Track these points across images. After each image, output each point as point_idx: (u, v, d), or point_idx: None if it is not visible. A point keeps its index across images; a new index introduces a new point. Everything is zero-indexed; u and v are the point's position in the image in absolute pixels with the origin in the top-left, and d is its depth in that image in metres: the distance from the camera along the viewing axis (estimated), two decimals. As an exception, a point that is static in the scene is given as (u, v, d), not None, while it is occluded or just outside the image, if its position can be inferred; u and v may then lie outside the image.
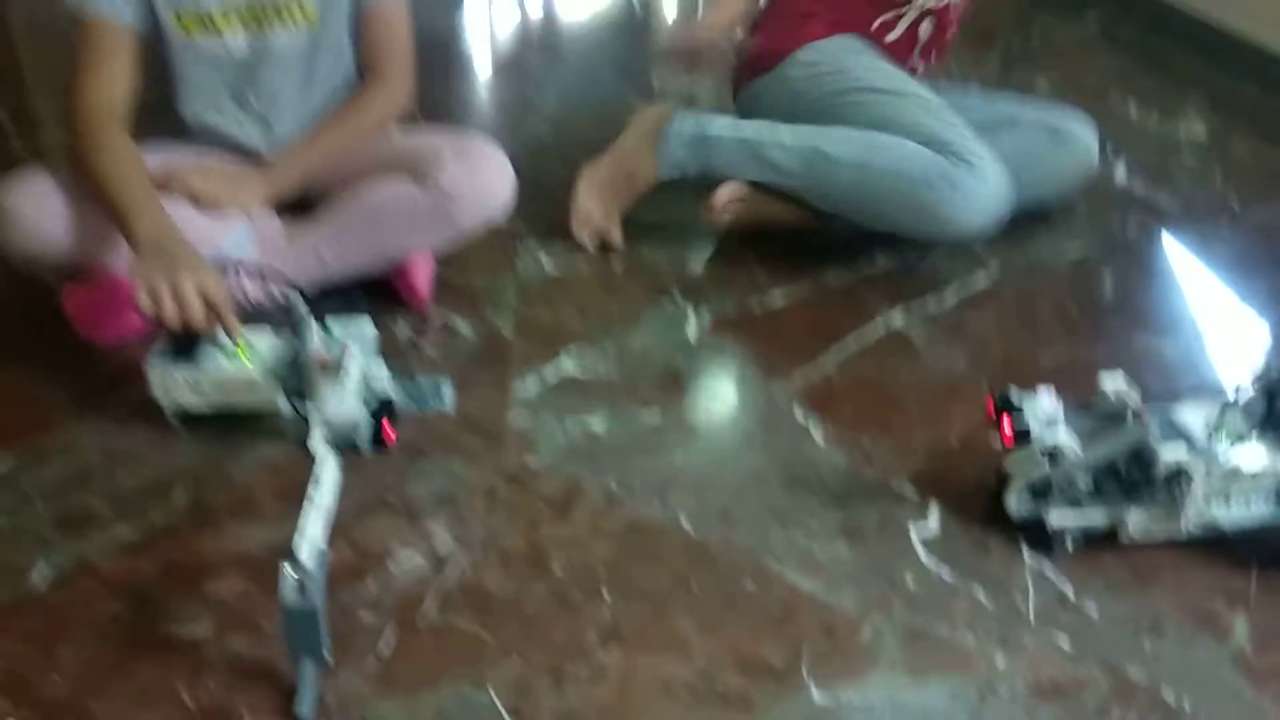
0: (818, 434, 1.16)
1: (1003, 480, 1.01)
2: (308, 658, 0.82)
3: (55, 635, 0.89)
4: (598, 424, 1.17)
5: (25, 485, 1.06)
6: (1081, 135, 1.57)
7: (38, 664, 0.86)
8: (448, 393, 1.19)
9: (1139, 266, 1.53)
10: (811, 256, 1.52)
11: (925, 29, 1.53)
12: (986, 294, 1.44)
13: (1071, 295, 1.44)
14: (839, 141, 1.42)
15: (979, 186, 1.36)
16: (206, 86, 1.32)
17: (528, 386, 1.23)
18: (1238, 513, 0.99)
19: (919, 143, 1.38)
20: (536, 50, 2.49)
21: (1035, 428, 0.96)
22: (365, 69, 1.39)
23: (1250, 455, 0.98)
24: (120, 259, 1.24)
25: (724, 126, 1.50)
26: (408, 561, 0.97)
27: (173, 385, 1.11)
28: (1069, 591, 0.96)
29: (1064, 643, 0.90)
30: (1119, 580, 0.97)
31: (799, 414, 1.19)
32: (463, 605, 0.93)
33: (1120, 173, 1.82)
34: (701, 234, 1.58)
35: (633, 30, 2.67)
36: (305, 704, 0.82)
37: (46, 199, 1.21)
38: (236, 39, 1.29)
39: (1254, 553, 0.99)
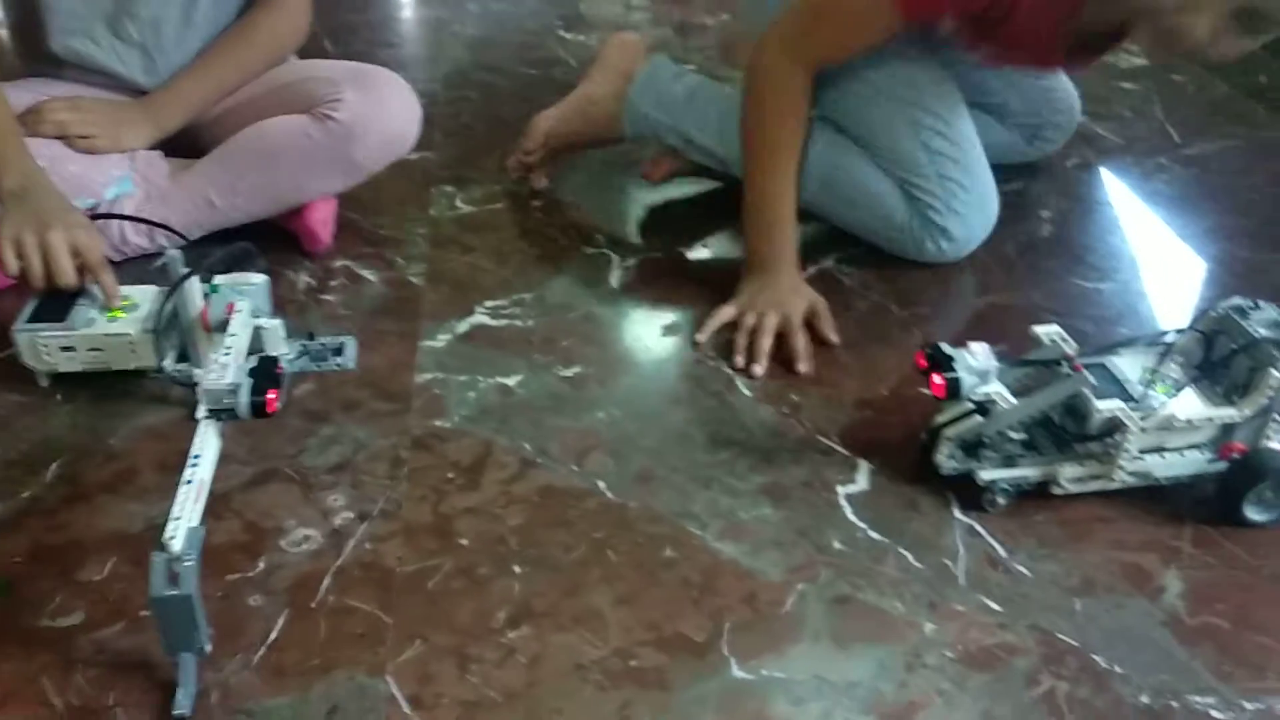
0: (744, 387, 1.10)
1: (933, 435, 0.97)
2: (184, 650, 0.76)
3: (-92, 629, 0.81)
4: (513, 381, 1.10)
5: (-122, 460, 0.97)
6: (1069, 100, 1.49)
7: (-113, 662, 0.79)
8: (350, 349, 1.11)
9: (1077, 203, 1.49)
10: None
11: (948, 24, 1.26)
12: (922, 233, 1.39)
13: (1009, 234, 1.39)
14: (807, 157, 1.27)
15: (954, 237, 1.27)
16: (77, 15, 1.20)
17: (438, 340, 1.15)
18: (1172, 462, 0.96)
19: (895, 180, 1.26)
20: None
21: (966, 381, 0.92)
22: (256, -8, 1.27)
23: (1186, 404, 0.94)
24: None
25: (692, 109, 1.36)
26: (302, 538, 0.90)
27: (44, 348, 1.02)
28: (1000, 551, 0.92)
29: (994, 605, 0.87)
30: (1051, 537, 0.93)
31: (725, 367, 1.13)
32: (361, 585, 0.86)
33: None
34: (631, 176, 1.50)
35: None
36: (184, 700, 0.75)
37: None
38: None
39: (1188, 505, 0.97)
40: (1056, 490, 0.96)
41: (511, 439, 1.02)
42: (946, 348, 0.93)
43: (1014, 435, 0.96)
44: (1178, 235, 1.42)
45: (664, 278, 1.28)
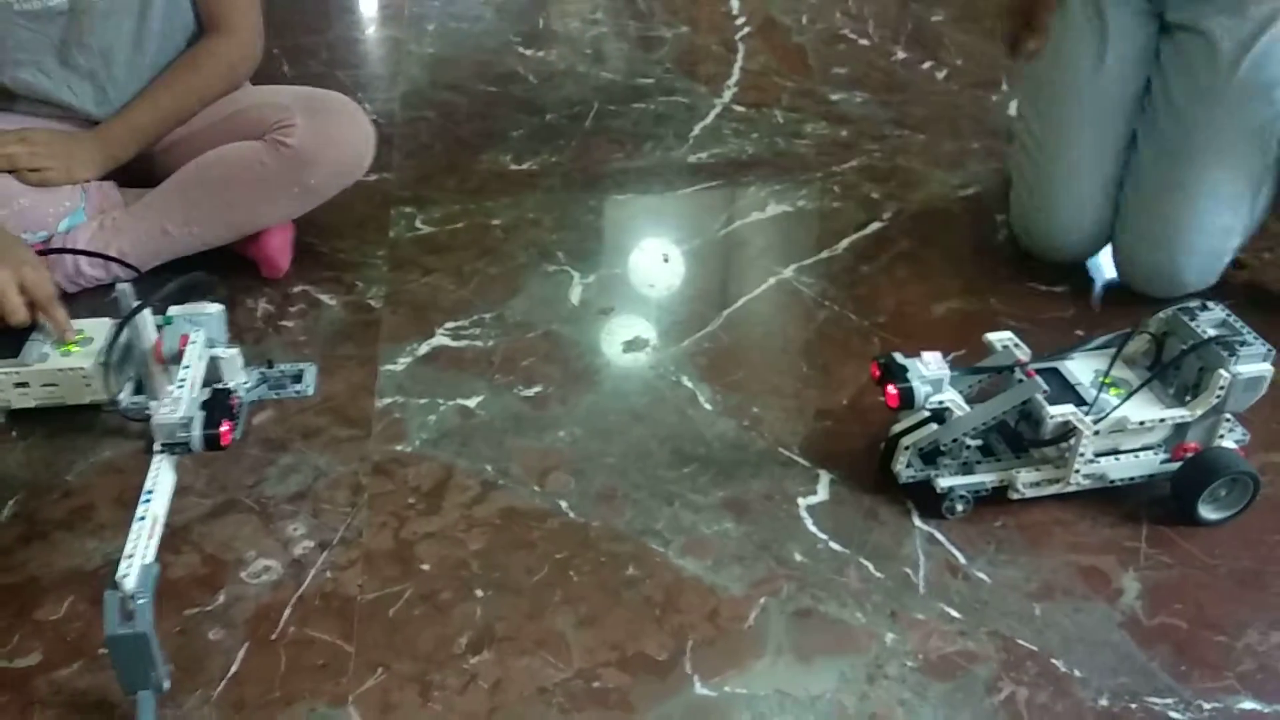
0: (705, 401, 1.11)
1: (891, 444, 0.98)
2: (141, 689, 0.75)
3: None
4: (474, 402, 1.09)
5: None
6: None
7: None
8: (309, 376, 1.11)
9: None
10: (701, 214, 1.46)
11: None
12: (878, 239, 1.40)
13: (965, 240, 1.40)
14: None
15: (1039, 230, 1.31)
16: (26, 47, 1.18)
17: (398, 364, 1.15)
18: (1127, 464, 0.97)
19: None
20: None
21: (919, 390, 0.92)
22: (206, 20, 1.26)
23: (1138, 407, 0.95)
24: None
25: None
26: (262, 569, 0.90)
27: (-4, 385, 1.01)
28: (960, 558, 0.93)
29: (955, 613, 0.88)
30: (1010, 543, 0.94)
31: (687, 381, 1.13)
32: (322, 614, 0.86)
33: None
34: (588, 191, 1.51)
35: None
36: (143, 739, 0.75)
37: None
38: None
39: (1145, 505, 0.98)
40: (1014, 495, 0.97)
41: (472, 461, 1.02)
42: (900, 357, 0.94)
43: (970, 442, 0.97)
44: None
45: (624, 294, 1.29)
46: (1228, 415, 0.96)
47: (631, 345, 1.20)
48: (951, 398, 0.93)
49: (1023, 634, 0.86)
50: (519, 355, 1.17)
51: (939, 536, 0.95)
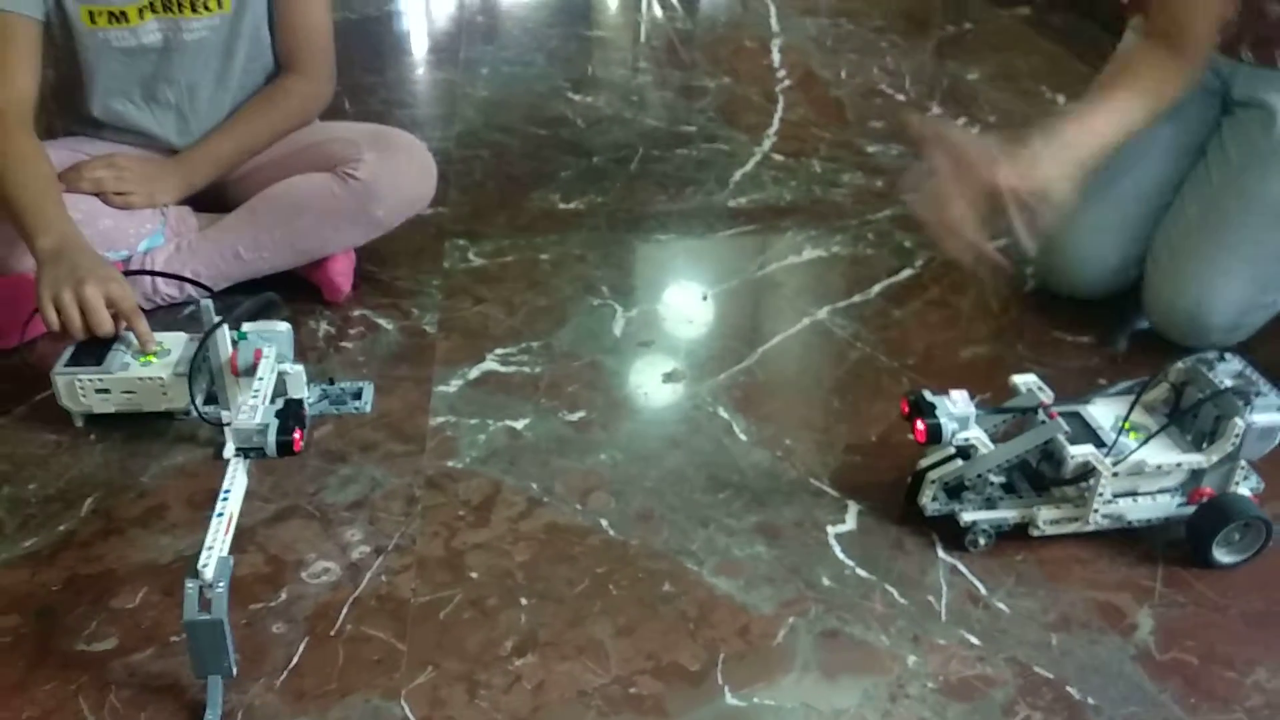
0: (740, 432, 1.16)
1: (918, 478, 1.03)
2: (213, 673, 0.81)
3: (-48, 653, 0.87)
4: (521, 424, 1.16)
5: (-77, 495, 1.03)
6: None
7: (-67, 683, 0.84)
8: (368, 394, 1.18)
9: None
10: (739, 255, 1.53)
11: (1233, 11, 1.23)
12: (909, 286, 1.46)
13: (993, 289, 1.46)
14: None
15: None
16: (118, 79, 1.28)
17: (451, 386, 1.21)
18: (1144, 506, 1.01)
19: None
20: (469, 36, 2.45)
21: (946, 426, 0.98)
22: (284, 60, 1.36)
23: (1156, 451, 1.00)
24: (24, 261, 1.20)
25: None
26: (322, 570, 0.96)
27: (80, 390, 1.08)
28: (981, 588, 0.97)
29: (974, 639, 0.92)
30: (1029, 577, 0.99)
31: (722, 412, 1.19)
32: (377, 614, 0.91)
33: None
34: (632, 230, 1.58)
35: (569, 14, 2.64)
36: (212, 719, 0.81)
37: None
38: (149, 29, 1.25)
39: (1161, 546, 1.02)
40: (1034, 532, 1.01)
41: (519, 479, 1.08)
42: (929, 395, 0.99)
43: (994, 479, 1.02)
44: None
45: (664, 328, 1.35)
46: (1243, 463, 1.00)
47: (670, 376, 1.26)
48: (977, 435, 0.98)
49: (1039, 662, 0.90)
50: (564, 382, 1.23)
51: (961, 568, 0.99)
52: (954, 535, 1.01)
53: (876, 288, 1.45)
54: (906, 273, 1.49)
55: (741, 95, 2.11)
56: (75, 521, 1.00)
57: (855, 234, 1.59)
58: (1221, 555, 1.00)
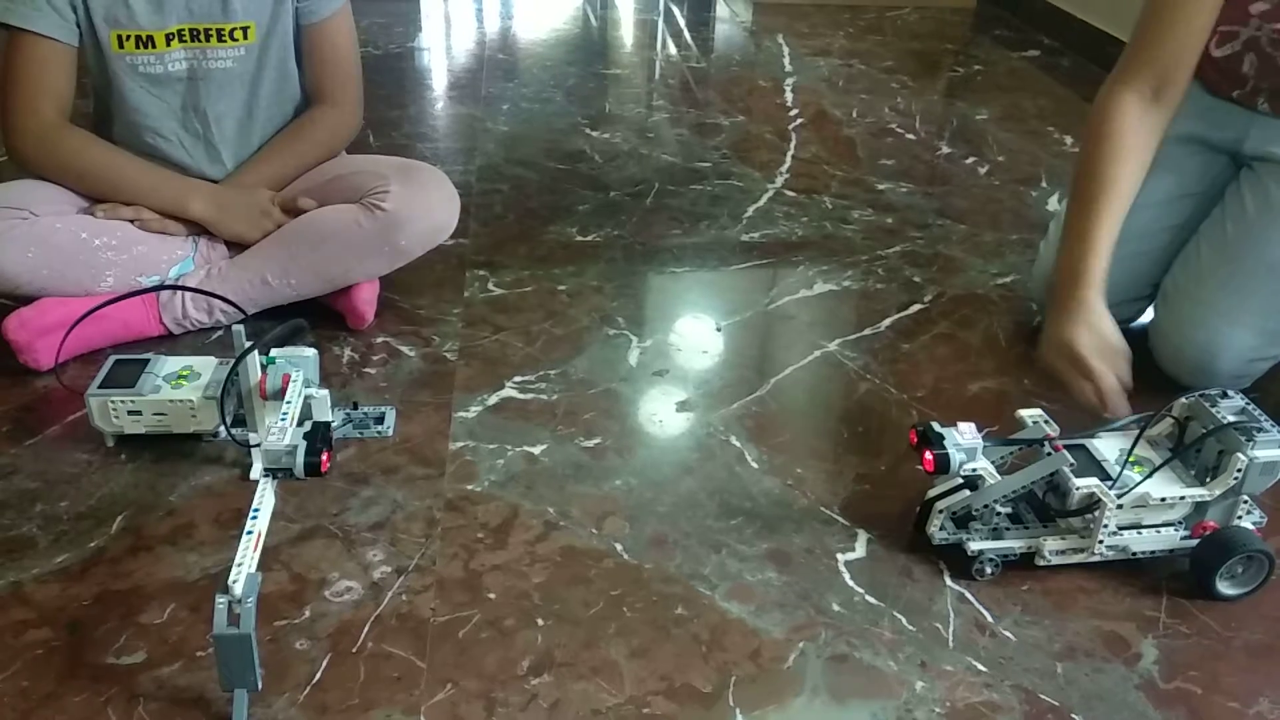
0: (752, 460, 1.19)
1: (926, 508, 1.05)
2: (240, 686, 0.83)
3: (-13, 663, 0.89)
4: (538, 450, 1.18)
5: (-41, 511, 1.06)
6: None
7: (-32, 693, 0.86)
8: (390, 419, 1.21)
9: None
10: (751, 288, 1.56)
11: (1250, 63, 1.26)
12: (918, 320, 1.49)
13: (1001, 324, 1.48)
14: None
15: None
16: (147, 108, 1.32)
17: (470, 412, 1.24)
18: (1148, 538, 1.03)
19: None
20: (490, 73, 2.51)
21: (954, 457, 1.00)
22: (312, 92, 1.40)
23: (1160, 485, 1.02)
24: (60, 283, 1.25)
25: None
26: (344, 589, 0.98)
27: (113, 411, 1.11)
28: (988, 616, 0.99)
29: (981, 666, 0.94)
30: (1036, 606, 1.01)
31: (735, 440, 1.22)
32: (398, 633, 0.94)
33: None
34: (648, 263, 1.62)
35: (586, 52, 2.70)
36: (237, 732, 0.83)
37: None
38: (175, 57, 1.30)
39: (1165, 578, 1.04)
40: (1040, 561, 1.03)
41: (536, 503, 1.10)
42: (937, 426, 1.02)
43: (1001, 509, 1.04)
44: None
45: (678, 359, 1.38)
46: (1245, 497, 1.02)
47: (684, 405, 1.28)
48: (984, 466, 1.01)
49: (1045, 689, 0.92)
50: (580, 409, 1.26)
51: (969, 596, 1.01)
52: (961, 564, 1.03)
53: (886, 321, 1.48)
54: (916, 307, 1.52)
55: (755, 133, 2.16)
56: (106, 539, 1.03)
57: (866, 269, 1.62)
58: (1225, 588, 1.02)
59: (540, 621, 0.96)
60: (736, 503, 1.12)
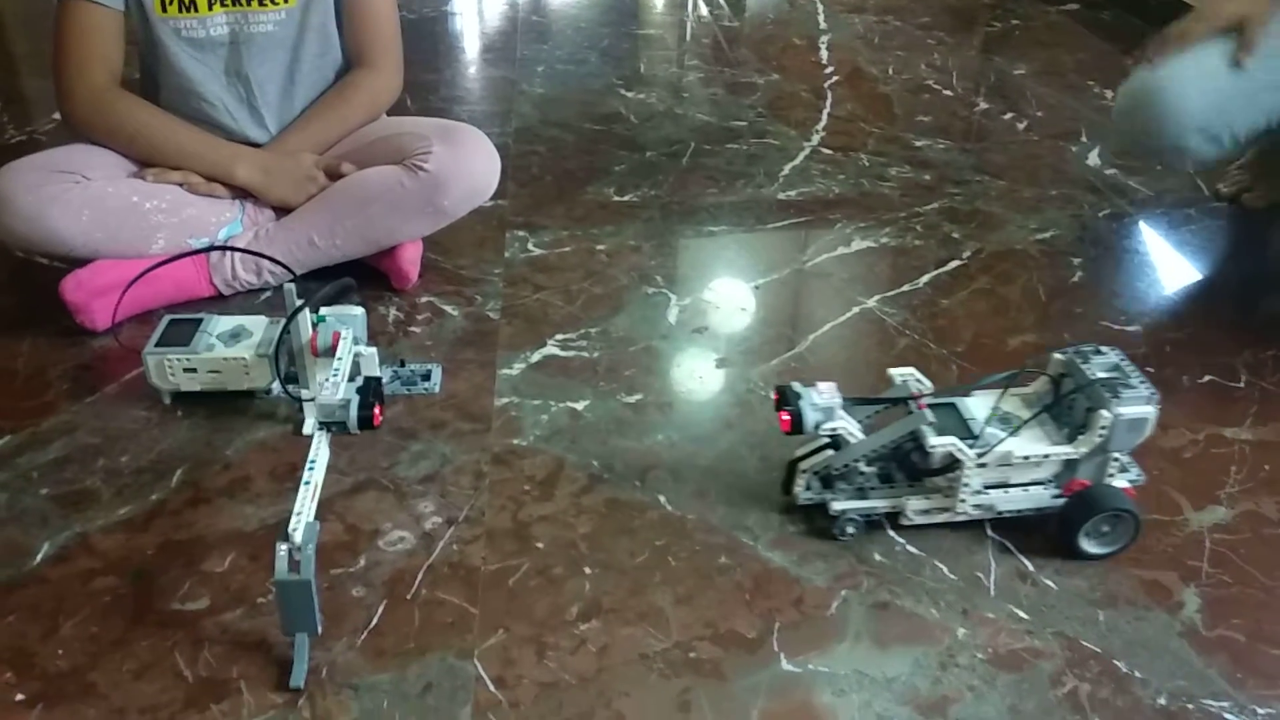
0: (793, 415, 1.20)
1: (791, 468, 1.04)
2: (301, 630, 0.86)
3: (57, 611, 0.93)
4: (581, 405, 1.20)
5: (26, 465, 1.09)
6: None
7: (40, 639, 0.90)
8: (436, 376, 1.23)
9: (1108, 250, 1.57)
10: (788, 246, 1.56)
11: None
12: (956, 276, 1.48)
13: (1041, 279, 1.48)
14: None
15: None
16: (192, 73, 1.34)
17: (514, 369, 1.26)
18: (1015, 497, 1.01)
19: None
20: (524, 34, 2.51)
21: (809, 416, 0.98)
22: (353, 56, 1.42)
23: (1025, 443, 0.99)
24: (113, 245, 1.28)
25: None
26: (397, 539, 1.01)
27: (169, 369, 1.15)
28: (1029, 566, 1.00)
29: (1023, 614, 0.95)
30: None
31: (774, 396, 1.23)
32: (450, 581, 0.97)
33: (1093, 158, 1.86)
34: (685, 222, 1.62)
35: (619, 13, 2.69)
36: (299, 674, 0.86)
37: (42, 186, 1.24)
38: (216, 21, 1.31)
39: (1206, 530, 1.04)
40: (904, 521, 1.02)
41: (580, 457, 1.12)
42: (796, 385, 1.01)
43: (864, 469, 1.03)
44: (1203, 282, 1.50)
45: (717, 316, 1.39)
46: (1117, 455, 1.00)
47: (723, 361, 1.30)
48: (843, 424, 0.99)
49: (1087, 636, 0.93)
50: (621, 366, 1.28)
51: (1010, 546, 1.02)
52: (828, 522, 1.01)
53: (925, 278, 1.48)
54: (954, 264, 1.51)
55: (790, 91, 2.15)
56: (166, 491, 1.06)
57: (903, 226, 1.62)
58: (1089, 546, 0.99)
59: (588, 570, 0.98)
60: (777, 456, 1.13)
